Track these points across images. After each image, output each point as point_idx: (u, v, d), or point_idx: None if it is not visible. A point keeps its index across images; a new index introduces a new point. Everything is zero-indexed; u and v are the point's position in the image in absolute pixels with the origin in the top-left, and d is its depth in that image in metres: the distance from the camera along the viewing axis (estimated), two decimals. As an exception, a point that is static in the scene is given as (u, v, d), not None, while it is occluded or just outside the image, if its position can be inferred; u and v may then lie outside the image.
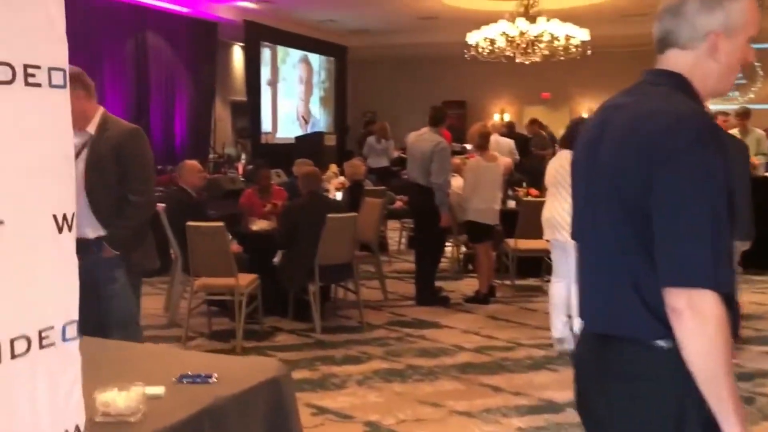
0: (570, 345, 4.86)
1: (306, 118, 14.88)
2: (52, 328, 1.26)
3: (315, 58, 15.04)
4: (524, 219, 6.29)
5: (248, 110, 12.88)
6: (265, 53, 13.28)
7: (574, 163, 1.68)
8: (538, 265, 6.78)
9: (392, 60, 15.85)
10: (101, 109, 3.29)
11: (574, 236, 1.70)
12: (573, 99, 15.51)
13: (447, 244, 7.17)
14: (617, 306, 1.51)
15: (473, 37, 10.68)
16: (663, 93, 1.51)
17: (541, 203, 5.20)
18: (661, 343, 1.43)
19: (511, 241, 6.59)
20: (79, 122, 3.16)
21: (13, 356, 1.19)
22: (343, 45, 15.29)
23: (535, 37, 10.28)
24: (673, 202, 1.37)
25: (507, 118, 15.05)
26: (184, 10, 11.04)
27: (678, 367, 1.38)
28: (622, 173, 1.45)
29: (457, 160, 7.42)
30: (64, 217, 1.28)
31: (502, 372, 4.59)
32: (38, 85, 1.22)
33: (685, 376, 1.37)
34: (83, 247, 3.18)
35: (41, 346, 1.24)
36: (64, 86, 1.27)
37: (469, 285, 6.81)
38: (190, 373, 2.13)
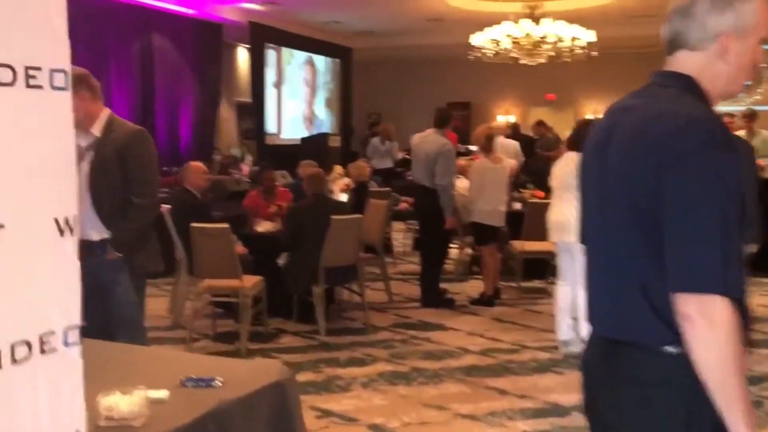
0: (576, 347, 4.84)
1: (311, 120, 14.88)
2: (53, 333, 1.25)
3: (320, 60, 15.04)
4: (530, 221, 6.26)
5: (253, 111, 12.88)
6: (270, 55, 13.28)
7: (582, 166, 1.66)
8: (544, 267, 6.75)
9: (397, 61, 15.84)
10: (107, 111, 3.27)
11: (582, 240, 1.69)
12: (578, 100, 15.47)
13: (452, 245, 7.15)
14: (625, 310, 1.50)
15: (478, 39, 10.67)
16: (672, 95, 1.49)
17: (547, 205, 5.18)
18: (669, 348, 1.42)
19: (516, 243, 6.56)
20: (84, 124, 3.16)
21: (14, 361, 1.17)
22: (348, 46, 15.28)
23: (540, 38, 10.26)
24: (681, 204, 1.35)
25: (512, 119, 15.03)
26: (190, 11, 11.05)
27: (687, 373, 1.36)
28: (630, 176, 1.44)
29: (462, 161, 7.40)
30: (66, 221, 1.26)
31: (508, 375, 4.57)
32: (39, 87, 1.20)
33: (694, 382, 1.35)
34: (87, 249, 3.18)
35: (42, 352, 1.23)
36: (65, 88, 1.25)
37: (474, 287, 6.79)
38: (193, 376, 2.12)
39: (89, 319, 3.35)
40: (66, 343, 1.27)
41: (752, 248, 4.58)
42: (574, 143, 4.86)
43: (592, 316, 1.64)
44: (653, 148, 1.40)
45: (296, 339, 5.35)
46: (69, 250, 1.28)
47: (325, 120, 15.37)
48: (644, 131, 1.44)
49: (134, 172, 3.20)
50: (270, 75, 13.24)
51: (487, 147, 6.28)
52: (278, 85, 13.60)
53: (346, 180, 8.24)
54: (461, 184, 6.59)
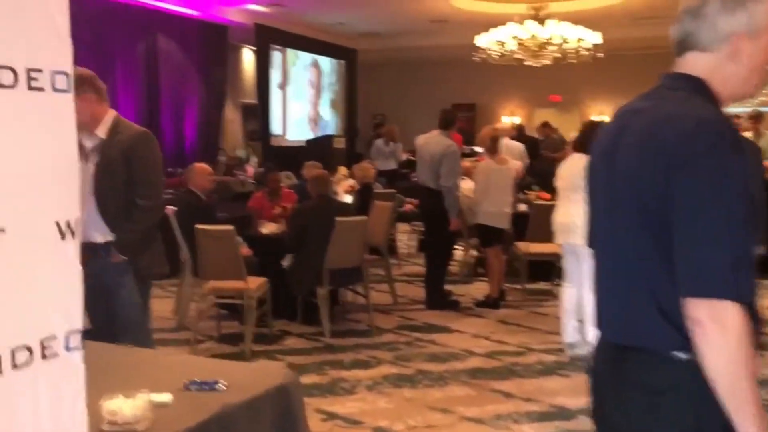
0: (581, 350, 4.82)
1: (316, 121, 14.88)
2: (54, 337, 1.23)
3: (325, 62, 15.03)
4: (535, 222, 6.24)
5: (258, 113, 12.88)
6: (276, 56, 13.28)
7: (591, 168, 1.64)
8: (549, 269, 6.73)
9: (402, 63, 15.82)
10: (113, 113, 3.26)
11: (589, 243, 1.67)
12: (583, 102, 15.43)
13: (457, 247, 7.13)
14: (634, 315, 1.48)
15: (483, 40, 10.65)
16: (681, 97, 1.47)
17: (552, 207, 5.16)
18: (679, 354, 1.40)
19: (522, 245, 6.54)
20: (90, 126, 3.16)
21: (15, 367, 1.16)
22: (353, 48, 15.28)
23: (545, 40, 10.23)
24: (691, 206, 1.34)
25: (517, 120, 15.01)
26: (195, 13, 11.06)
27: (696, 378, 1.34)
28: (640, 178, 1.42)
29: (467, 163, 7.38)
30: (68, 224, 1.25)
31: (513, 377, 4.54)
32: (41, 89, 1.19)
33: (703, 388, 1.33)
34: (91, 251, 3.18)
35: (43, 357, 1.21)
36: (68, 90, 1.24)
37: (479, 289, 6.77)
38: (197, 379, 2.11)
39: (94, 322, 3.35)
40: (67, 348, 1.26)
41: (760, 250, 4.55)
42: (580, 145, 4.83)
43: (601, 321, 1.62)
44: (663, 151, 1.38)
45: (301, 341, 5.34)
46: (70, 253, 1.27)
47: (330, 121, 15.37)
48: (654, 134, 1.42)
49: (139, 173, 3.19)
50: (275, 76, 13.24)
51: (493, 148, 6.25)
52: (283, 86, 13.61)
53: (351, 181, 8.23)
54: (466, 185, 6.57)
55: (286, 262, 5.68)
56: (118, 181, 3.16)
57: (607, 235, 1.56)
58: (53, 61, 1.21)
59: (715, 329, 1.31)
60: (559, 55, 10.73)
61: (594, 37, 10.34)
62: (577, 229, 4.64)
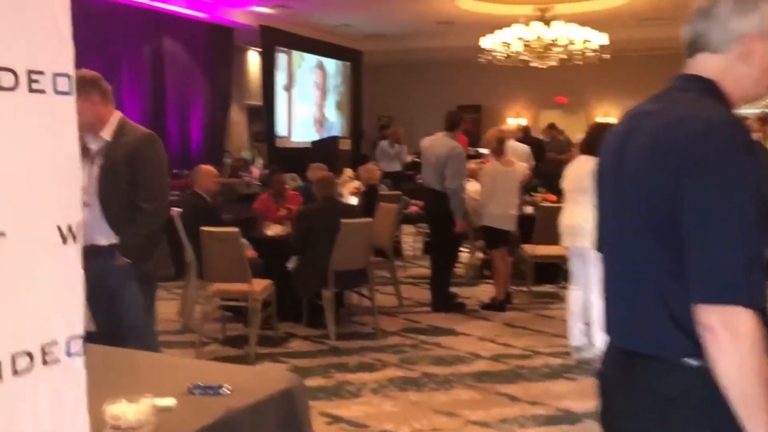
0: (588, 353, 4.79)
1: (321, 123, 14.88)
2: (55, 343, 1.22)
3: (330, 63, 15.03)
4: (541, 224, 6.21)
5: (264, 115, 12.88)
6: (281, 58, 13.28)
7: (599, 171, 1.62)
8: (555, 272, 6.69)
9: (407, 64, 15.81)
10: (119, 115, 3.24)
11: (598, 247, 1.65)
12: (589, 103, 15.39)
13: (463, 249, 7.10)
14: (643, 320, 1.46)
15: (488, 42, 10.63)
16: (692, 99, 1.45)
17: (558, 209, 5.13)
18: (690, 361, 1.37)
19: (528, 247, 6.51)
20: (95, 127, 3.14)
21: (15, 373, 1.14)
22: (359, 50, 15.27)
23: (551, 41, 10.21)
24: (701, 209, 1.31)
25: (523, 122, 14.98)
26: (201, 15, 11.07)
27: (708, 386, 1.32)
28: (649, 181, 1.40)
29: (472, 164, 7.36)
30: (69, 228, 1.23)
31: (519, 381, 4.52)
32: (42, 91, 1.17)
33: (717, 396, 1.31)
34: (96, 254, 3.17)
35: (44, 362, 1.19)
36: (69, 93, 1.22)
37: (485, 291, 6.74)
38: (201, 384, 2.10)
39: (99, 325, 3.34)
40: (69, 354, 1.24)
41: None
42: (587, 146, 4.80)
43: (609, 326, 1.60)
44: (673, 153, 1.36)
45: (306, 343, 5.32)
46: (72, 257, 1.25)
47: (336, 123, 15.36)
48: (664, 136, 1.40)
49: (143, 176, 3.15)
50: (280, 78, 13.24)
51: (499, 150, 6.23)
52: (289, 88, 13.61)
53: (356, 183, 8.22)
54: (472, 187, 6.54)
55: (291, 264, 5.67)
56: (121, 184, 3.13)
57: (615, 238, 1.54)
58: (55, 62, 1.19)
59: (727, 336, 1.28)
60: (565, 57, 10.70)
61: (600, 39, 10.31)
62: (583, 231, 4.61)
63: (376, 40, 14.53)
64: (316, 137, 13.88)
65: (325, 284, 5.29)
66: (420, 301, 6.53)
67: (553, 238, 5.21)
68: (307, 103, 14.32)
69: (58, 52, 1.20)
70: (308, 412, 2.27)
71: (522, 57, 10.72)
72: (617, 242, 1.53)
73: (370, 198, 7.21)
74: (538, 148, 10.38)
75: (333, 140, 13.14)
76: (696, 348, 1.34)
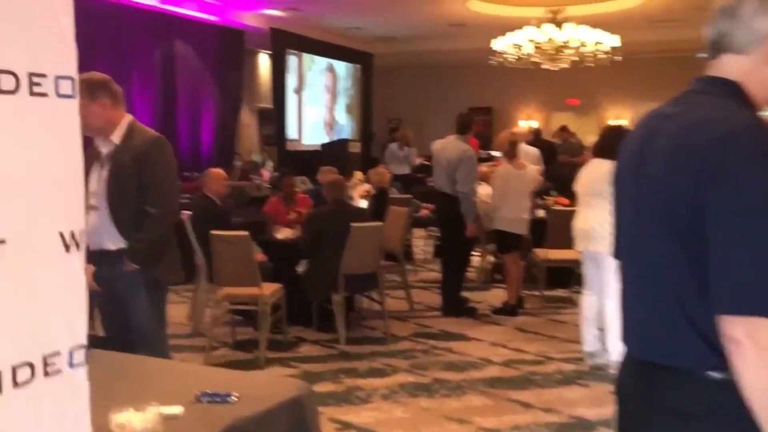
0: (602, 359, 4.73)
1: (331, 126, 14.86)
2: (58, 353, 1.18)
3: (341, 66, 15.02)
4: (554, 228, 6.15)
5: (274, 117, 12.89)
6: (292, 61, 13.29)
7: (617, 174, 1.58)
8: (568, 276, 6.63)
9: (418, 67, 15.78)
10: (129, 118, 3.20)
11: (616, 254, 1.60)
12: (601, 106, 15.30)
13: (474, 253, 7.05)
14: (663, 330, 1.40)
15: (500, 44, 10.58)
16: (713, 102, 1.40)
17: (571, 212, 5.07)
18: (713, 374, 1.32)
19: (540, 251, 6.45)
20: (105, 131, 3.11)
21: (15, 385, 1.11)
22: (369, 52, 15.25)
23: (562, 43, 10.15)
24: (725, 216, 1.27)
25: (534, 125, 14.90)
26: (212, 18, 11.08)
27: (733, 401, 1.26)
28: (669, 184, 1.35)
29: (484, 167, 7.31)
30: (72, 234, 1.19)
31: (532, 387, 4.46)
32: (44, 94, 1.13)
33: (741, 410, 1.25)
34: (104, 259, 3.14)
35: (46, 374, 1.16)
36: (72, 96, 1.18)
37: (496, 296, 6.68)
38: (209, 391, 2.07)
39: (108, 331, 3.30)
40: (71, 364, 1.21)
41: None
42: (599, 150, 4.75)
43: (627, 335, 1.55)
44: (694, 155, 1.32)
45: (316, 348, 5.28)
46: (75, 265, 1.22)
47: (346, 126, 15.35)
48: (685, 138, 1.35)
49: (150, 180, 3.10)
50: (291, 81, 13.24)
51: (511, 153, 6.18)
52: (299, 91, 13.61)
53: (366, 186, 8.18)
54: (483, 190, 6.49)
55: (301, 268, 5.64)
56: (129, 188, 3.08)
57: (633, 242, 1.49)
58: (57, 65, 1.16)
59: (753, 348, 1.23)
60: (576, 59, 10.63)
61: (612, 40, 10.23)
62: (597, 235, 4.56)
63: (386, 43, 14.51)
64: (326, 140, 13.86)
65: (335, 288, 5.26)
66: (431, 305, 6.48)
67: (566, 241, 5.16)
68: (317, 105, 14.31)
69: (61, 54, 1.16)
70: (318, 421, 2.24)
71: (533, 59, 10.67)
72: (635, 247, 1.48)
73: (380, 201, 7.18)
74: (549, 151, 10.31)
75: (343, 143, 13.13)
76: (719, 360, 1.29)
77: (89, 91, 3.01)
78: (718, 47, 1.43)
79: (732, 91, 1.41)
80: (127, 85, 9.39)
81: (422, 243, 8.87)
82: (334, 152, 12.04)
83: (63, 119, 1.18)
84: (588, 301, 4.79)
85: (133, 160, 3.09)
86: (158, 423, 1.79)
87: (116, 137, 3.14)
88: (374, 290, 5.77)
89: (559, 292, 6.79)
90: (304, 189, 8.59)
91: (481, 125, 12.50)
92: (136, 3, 9.66)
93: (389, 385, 4.47)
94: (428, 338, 5.52)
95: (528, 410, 4.08)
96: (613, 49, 10.36)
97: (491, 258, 7.35)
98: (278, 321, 5.26)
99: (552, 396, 4.30)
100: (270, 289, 5.03)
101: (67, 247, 1.19)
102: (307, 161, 11.25)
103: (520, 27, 10.18)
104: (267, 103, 13.20)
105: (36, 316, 1.15)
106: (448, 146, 6.18)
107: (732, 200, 1.26)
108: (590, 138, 9.48)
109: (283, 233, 5.97)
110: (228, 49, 11.87)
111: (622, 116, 14.69)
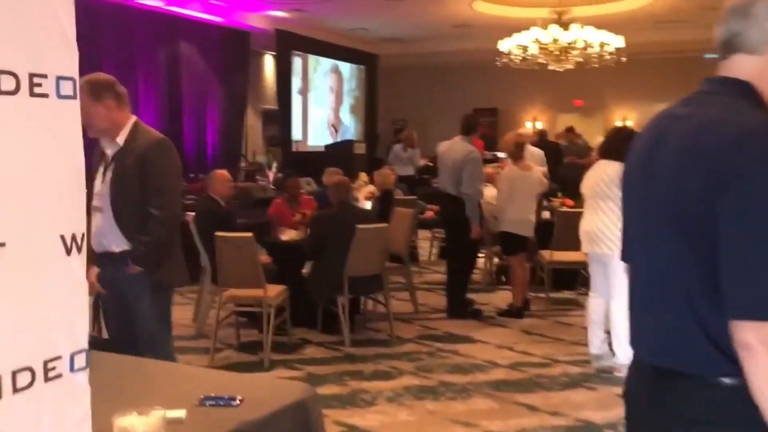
0: (608, 362, 4.70)
1: (336, 127, 14.85)
2: (59, 358, 1.16)
3: (346, 67, 15.01)
4: (560, 230, 6.12)
5: (279, 119, 12.89)
6: (297, 62, 13.29)
7: (626, 176, 1.56)
8: (574, 278, 6.59)
9: (423, 68, 15.77)
10: (133, 119, 3.18)
11: (624, 257, 1.58)
12: (607, 106, 15.27)
13: (479, 255, 7.02)
14: (673, 334, 1.38)
15: (505, 45, 10.55)
16: (724, 102, 1.38)
17: (577, 214, 5.04)
18: (725, 380, 1.29)
19: (546, 253, 6.42)
20: (109, 132, 3.10)
21: (15, 390, 1.09)
22: (374, 53, 15.24)
23: (568, 44, 10.12)
24: (737, 219, 1.24)
25: (539, 126, 14.87)
26: (217, 19, 11.09)
27: (745, 408, 1.24)
28: (678, 184, 1.33)
29: (489, 169, 7.28)
30: (73, 238, 1.17)
31: (538, 390, 4.43)
32: (45, 95, 1.12)
33: (754, 418, 1.23)
34: (109, 261, 3.13)
35: (47, 379, 1.14)
36: (74, 97, 1.16)
37: (502, 298, 6.65)
38: (213, 395, 2.05)
39: (112, 333, 3.28)
40: (72, 369, 1.19)
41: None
42: (606, 151, 4.72)
43: (635, 339, 1.52)
44: (704, 156, 1.30)
45: (320, 350, 5.26)
46: (76, 269, 1.20)
47: (351, 127, 15.34)
48: (694, 139, 1.33)
49: (153, 182, 3.08)
50: (296, 82, 13.25)
51: (517, 154, 6.15)
52: (304, 92, 13.61)
53: (371, 187, 8.16)
54: (489, 192, 6.46)
55: (305, 270, 5.62)
56: (132, 190, 3.06)
57: (642, 243, 1.47)
58: (58, 65, 1.14)
59: (765, 353, 1.21)
60: (581, 60, 10.60)
61: (617, 41, 10.20)
62: (603, 237, 4.54)
63: (391, 44, 14.50)
64: (331, 141, 13.86)
65: (340, 290, 5.24)
66: (436, 307, 6.45)
67: (571, 243, 5.12)
68: (322, 106, 14.31)
69: (62, 55, 1.15)
70: (322, 424, 2.22)
71: (539, 60, 10.64)
72: (644, 248, 1.46)
73: (385, 203, 7.16)
74: (554, 152, 10.28)
75: (348, 144, 13.12)
76: (731, 366, 1.26)
77: (94, 92, 3.00)
78: (729, 47, 1.40)
79: (744, 91, 1.39)
80: (133, 86, 9.41)
81: (427, 244, 8.84)
82: (338, 153, 12.03)
83: (64, 120, 1.16)
84: (594, 303, 4.76)
85: (137, 162, 3.07)
86: (161, 427, 1.76)
87: (121, 139, 3.13)
88: (379, 292, 5.74)
89: (565, 294, 6.75)
90: (309, 190, 8.59)
91: (486, 126, 12.47)
92: (142, 4, 9.67)
93: (394, 388, 4.44)
94: (433, 340, 5.50)
95: (534, 413, 4.05)
96: (618, 49, 10.32)
97: (496, 260, 7.33)
98: (283, 323, 5.24)
99: (558, 399, 4.27)
100: (274, 291, 5.02)
101: (68, 250, 1.17)
102: (311, 162, 11.25)
103: (525, 28, 10.15)
104: (272, 105, 13.21)
105: (36, 320, 1.14)
106: (453, 147, 6.15)
107: (743, 202, 1.24)
108: (596, 139, 9.46)
109: (287, 235, 5.96)
110: (233, 50, 11.88)
111: (627, 117, 14.66)
